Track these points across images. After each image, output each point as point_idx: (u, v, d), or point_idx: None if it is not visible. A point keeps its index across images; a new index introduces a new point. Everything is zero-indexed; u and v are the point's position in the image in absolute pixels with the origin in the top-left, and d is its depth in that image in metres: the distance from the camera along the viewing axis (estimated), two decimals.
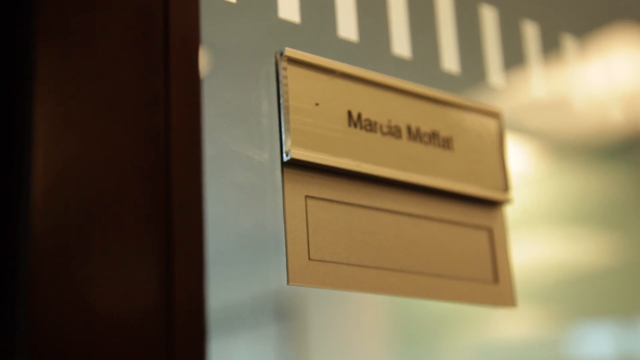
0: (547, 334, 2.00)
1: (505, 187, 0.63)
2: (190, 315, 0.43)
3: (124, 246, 0.42)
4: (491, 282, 0.61)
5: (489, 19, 0.74)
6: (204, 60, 0.49)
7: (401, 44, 0.65)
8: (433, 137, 0.60)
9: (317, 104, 0.54)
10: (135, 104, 0.45)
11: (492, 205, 0.62)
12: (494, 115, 0.64)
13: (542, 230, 1.97)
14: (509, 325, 2.11)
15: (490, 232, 0.62)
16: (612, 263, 1.87)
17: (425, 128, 0.59)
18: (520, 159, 1.87)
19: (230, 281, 2.63)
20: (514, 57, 0.79)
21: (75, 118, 0.42)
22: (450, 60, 0.69)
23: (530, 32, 0.80)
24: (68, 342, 0.39)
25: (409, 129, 0.58)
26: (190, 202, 0.45)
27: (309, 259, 0.51)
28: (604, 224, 1.93)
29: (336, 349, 2.76)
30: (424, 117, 0.60)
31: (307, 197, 0.53)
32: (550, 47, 0.85)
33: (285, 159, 0.52)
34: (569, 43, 0.87)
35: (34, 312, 0.39)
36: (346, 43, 0.61)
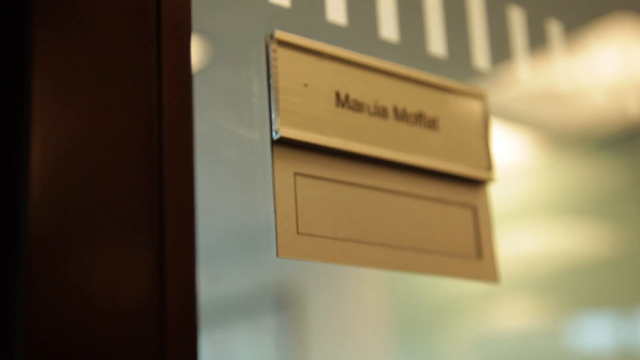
0: (546, 324, 2.01)
1: (489, 166, 0.64)
2: (182, 293, 0.43)
3: (117, 227, 0.43)
4: (475, 258, 0.62)
5: (476, 6, 0.76)
6: (197, 42, 0.51)
7: (389, 28, 0.67)
8: (419, 117, 0.61)
9: (305, 85, 0.55)
10: (129, 82, 0.46)
11: (476, 183, 0.64)
12: (479, 96, 0.65)
13: (540, 221, 1.98)
14: (507, 315, 2.12)
15: (474, 209, 0.63)
16: (609, 253, 1.88)
17: (412, 109, 0.61)
18: (518, 150, 1.88)
19: (229, 271, 2.63)
20: (513, 49, 0.81)
21: (70, 96, 0.44)
22: (437, 44, 0.70)
23: (522, 22, 0.81)
24: (64, 330, 0.40)
25: (395, 109, 0.60)
26: (181, 178, 0.46)
27: (298, 233, 0.53)
28: (602, 214, 1.93)
29: (335, 338, 2.77)
30: (411, 98, 0.61)
31: (296, 174, 0.54)
32: (548, 38, 0.86)
33: (274, 137, 0.53)
34: (567, 34, 0.88)
35: (31, 302, 0.39)
36: (335, 27, 0.63)
